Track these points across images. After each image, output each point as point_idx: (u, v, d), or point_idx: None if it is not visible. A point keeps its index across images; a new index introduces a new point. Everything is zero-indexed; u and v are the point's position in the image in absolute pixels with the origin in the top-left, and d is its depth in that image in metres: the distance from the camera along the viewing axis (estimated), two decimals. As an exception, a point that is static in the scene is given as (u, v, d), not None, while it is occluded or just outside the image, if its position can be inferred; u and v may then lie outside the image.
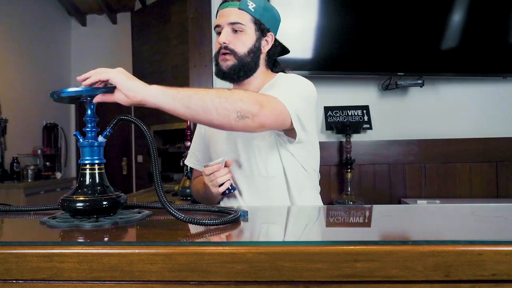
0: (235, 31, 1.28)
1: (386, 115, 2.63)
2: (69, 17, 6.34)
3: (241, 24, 1.27)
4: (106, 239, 0.71)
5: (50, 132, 5.54)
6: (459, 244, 0.60)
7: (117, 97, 0.90)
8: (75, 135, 0.87)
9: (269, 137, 1.31)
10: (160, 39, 5.53)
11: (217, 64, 1.32)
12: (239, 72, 1.30)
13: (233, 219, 0.78)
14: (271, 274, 0.60)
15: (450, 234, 0.76)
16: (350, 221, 0.96)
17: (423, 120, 2.63)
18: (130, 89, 0.90)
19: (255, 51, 1.31)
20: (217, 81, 2.58)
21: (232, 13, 1.28)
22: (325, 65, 2.46)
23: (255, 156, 1.31)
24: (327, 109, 2.57)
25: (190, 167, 2.20)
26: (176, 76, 5.18)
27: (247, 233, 0.79)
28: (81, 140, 0.85)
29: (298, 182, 1.33)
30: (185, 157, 2.33)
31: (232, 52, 1.29)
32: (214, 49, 1.35)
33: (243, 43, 1.29)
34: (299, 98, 1.23)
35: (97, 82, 0.90)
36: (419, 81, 2.48)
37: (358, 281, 0.60)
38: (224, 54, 1.29)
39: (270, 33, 1.33)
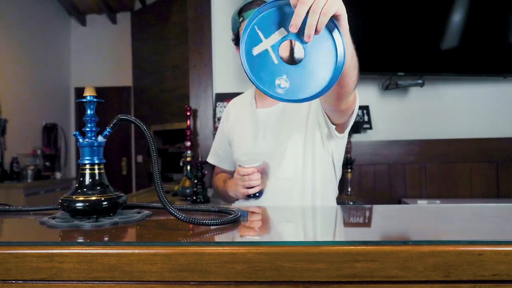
0: None
1: (386, 115, 2.63)
2: (69, 17, 6.34)
3: None
4: (106, 239, 0.71)
5: (50, 132, 5.54)
6: (459, 244, 0.60)
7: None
8: (75, 135, 0.87)
9: (306, 134, 1.35)
10: (160, 39, 5.53)
11: None
12: None
13: (233, 219, 0.78)
14: (271, 274, 0.60)
15: (450, 234, 0.76)
16: (350, 221, 0.96)
17: (423, 120, 2.63)
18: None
19: None
20: (217, 81, 2.59)
21: None
22: (325, 65, 2.46)
23: (284, 155, 1.35)
24: (327, 109, 2.58)
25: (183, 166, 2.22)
26: (176, 76, 5.18)
27: (247, 233, 0.79)
28: (80, 140, 0.85)
29: (323, 183, 1.38)
30: (185, 157, 2.34)
31: None
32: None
33: None
34: None
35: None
36: (419, 81, 2.47)
37: (358, 281, 0.60)
38: None
39: None
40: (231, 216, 0.79)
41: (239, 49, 1.40)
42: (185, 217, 0.76)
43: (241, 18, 1.34)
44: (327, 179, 1.40)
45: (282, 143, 1.37)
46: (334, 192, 1.45)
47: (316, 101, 1.31)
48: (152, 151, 0.84)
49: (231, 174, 1.55)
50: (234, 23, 1.38)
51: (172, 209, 0.77)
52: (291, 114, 1.39)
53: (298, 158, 1.36)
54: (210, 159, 1.63)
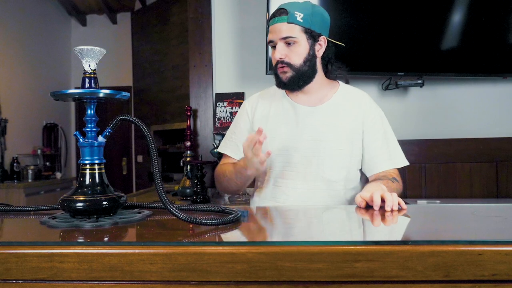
0: (288, 44, 1.35)
1: (386, 115, 2.62)
2: (69, 17, 6.34)
3: (293, 37, 1.34)
4: (106, 239, 0.71)
5: (50, 132, 5.54)
6: (459, 244, 0.60)
7: None
8: (75, 135, 0.87)
9: (350, 141, 1.40)
10: (160, 39, 5.53)
11: (277, 76, 1.40)
12: (299, 82, 1.38)
13: (233, 219, 0.78)
14: (271, 274, 0.60)
15: (450, 234, 0.76)
16: (350, 221, 0.96)
17: (423, 120, 2.63)
18: None
19: (310, 58, 1.38)
20: (217, 81, 2.59)
21: (283, 28, 1.34)
22: (325, 65, 2.47)
23: (330, 157, 1.37)
24: (327, 109, 2.57)
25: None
26: (176, 76, 5.18)
27: (247, 233, 0.79)
28: (81, 140, 0.85)
29: (357, 191, 1.44)
30: (185, 157, 2.34)
31: (289, 65, 1.36)
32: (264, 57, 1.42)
33: (297, 55, 1.35)
34: (398, 145, 1.48)
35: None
36: (419, 81, 2.47)
37: (358, 281, 0.60)
38: (282, 67, 1.36)
39: (322, 36, 1.39)
40: (232, 216, 0.79)
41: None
42: (186, 216, 0.76)
43: (267, 25, 1.40)
44: (358, 187, 1.46)
45: (325, 144, 1.38)
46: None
47: (364, 120, 1.43)
48: (152, 151, 0.84)
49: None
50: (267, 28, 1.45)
51: (173, 209, 0.77)
52: (337, 118, 1.41)
53: (343, 162, 1.38)
54: (229, 151, 1.51)
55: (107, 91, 0.84)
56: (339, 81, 1.51)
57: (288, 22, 1.32)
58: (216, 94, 2.56)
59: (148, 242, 0.65)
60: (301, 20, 1.33)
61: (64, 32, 6.23)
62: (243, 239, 0.76)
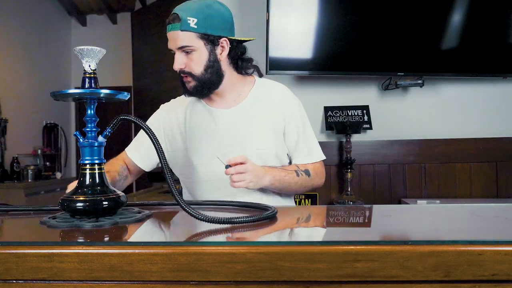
0: (186, 52, 1.28)
1: (386, 115, 2.63)
2: (69, 17, 6.34)
3: (189, 46, 1.26)
4: (106, 239, 0.71)
5: (50, 132, 5.54)
6: (459, 244, 0.60)
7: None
8: (75, 135, 0.87)
9: (273, 148, 1.34)
10: (160, 39, 5.51)
11: (182, 84, 1.33)
12: (203, 90, 1.31)
13: (267, 216, 0.78)
14: (271, 274, 0.60)
15: (450, 234, 0.76)
16: (350, 221, 0.96)
17: (423, 120, 2.64)
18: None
19: (212, 65, 1.29)
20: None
21: (177, 37, 1.28)
22: (325, 65, 2.46)
23: (253, 158, 1.29)
24: (327, 109, 2.57)
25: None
26: (176, 76, 5.17)
27: (247, 233, 0.79)
28: (81, 140, 0.85)
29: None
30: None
31: (190, 75, 1.29)
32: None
33: (197, 63, 1.28)
34: (314, 135, 1.42)
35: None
36: (419, 81, 2.48)
37: (358, 281, 0.60)
38: (185, 76, 1.30)
39: (222, 39, 1.29)
40: (269, 212, 0.79)
41: None
42: (202, 216, 0.75)
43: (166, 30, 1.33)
44: None
45: (247, 145, 1.31)
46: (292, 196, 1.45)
47: (285, 113, 1.36)
48: (157, 150, 0.84)
49: (129, 167, 1.46)
50: None
51: (188, 208, 0.77)
52: (256, 117, 1.35)
53: (269, 161, 1.32)
54: (129, 151, 1.49)
55: (107, 91, 0.84)
56: (254, 76, 1.42)
57: (182, 30, 1.26)
58: (216, 94, 2.56)
59: (148, 242, 0.65)
60: (195, 26, 1.24)
61: (64, 32, 6.23)
62: (243, 239, 0.76)
